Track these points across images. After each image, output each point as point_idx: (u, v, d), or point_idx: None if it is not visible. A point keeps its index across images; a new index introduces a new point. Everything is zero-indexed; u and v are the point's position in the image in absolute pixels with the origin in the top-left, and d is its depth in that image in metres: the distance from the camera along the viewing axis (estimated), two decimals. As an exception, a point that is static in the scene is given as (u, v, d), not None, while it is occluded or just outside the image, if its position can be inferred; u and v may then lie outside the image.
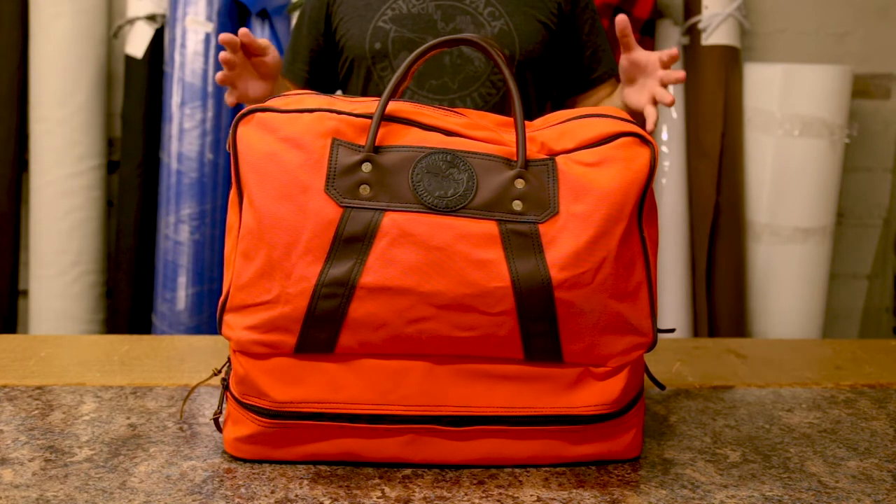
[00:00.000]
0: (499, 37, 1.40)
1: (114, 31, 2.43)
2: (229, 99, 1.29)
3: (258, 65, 1.28)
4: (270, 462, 0.90)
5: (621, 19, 1.27)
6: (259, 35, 2.33)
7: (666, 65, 1.27)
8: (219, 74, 1.25)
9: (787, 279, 2.39)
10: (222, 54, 1.24)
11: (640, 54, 1.30)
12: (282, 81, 1.50)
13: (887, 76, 2.65)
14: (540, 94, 1.50)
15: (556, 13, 1.45)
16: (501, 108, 1.42)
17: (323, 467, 0.89)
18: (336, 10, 1.47)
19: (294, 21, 1.80)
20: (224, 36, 1.21)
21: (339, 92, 1.58)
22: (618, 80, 1.54)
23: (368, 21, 1.42)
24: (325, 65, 1.51)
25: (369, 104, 0.88)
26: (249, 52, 1.26)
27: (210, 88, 2.28)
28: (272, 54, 1.29)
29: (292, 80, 1.51)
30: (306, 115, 0.85)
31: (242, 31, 1.23)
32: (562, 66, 1.50)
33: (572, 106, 1.56)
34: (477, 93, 1.41)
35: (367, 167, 0.84)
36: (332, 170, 0.83)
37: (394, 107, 0.87)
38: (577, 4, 1.48)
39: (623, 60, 1.32)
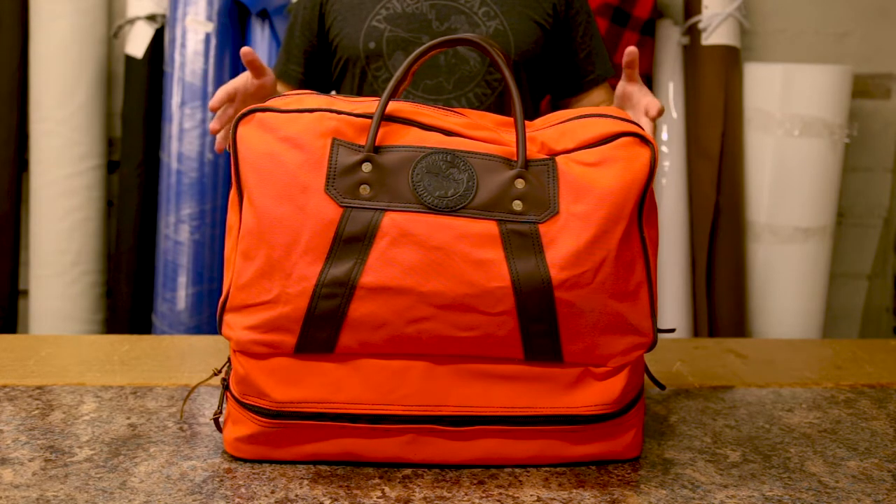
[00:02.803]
0: (494, 36, 1.40)
1: (114, 31, 2.43)
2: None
3: (258, 90, 1.26)
4: (270, 462, 0.90)
5: (631, 51, 1.23)
6: (259, 35, 2.33)
7: (651, 117, 1.22)
8: (214, 124, 1.20)
9: (787, 279, 2.39)
10: (219, 114, 1.20)
11: (635, 90, 1.26)
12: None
13: (887, 76, 2.65)
14: (535, 94, 1.50)
15: (550, 14, 1.44)
16: (497, 108, 1.42)
17: (323, 467, 0.89)
18: (329, 9, 1.45)
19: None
20: (215, 101, 1.17)
21: (332, 92, 1.58)
22: (612, 84, 1.54)
23: (362, 21, 1.41)
24: (319, 65, 1.50)
25: (369, 104, 0.88)
26: (254, 71, 1.22)
27: (210, 88, 2.28)
28: (270, 75, 1.26)
29: (286, 81, 1.50)
30: (306, 114, 0.85)
31: (246, 50, 1.19)
32: (556, 68, 1.50)
33: (566, 108, 1.55)
34: (472, 93, 1.40)
35: (367, 167, 0.84)
36: (332, 170, 0.83)
37: (394, 107, 0.87)
38: (572, 6, 1.47)
39: (619, 87, 1.29)
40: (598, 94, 1.52)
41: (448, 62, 1.40)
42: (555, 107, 1.57)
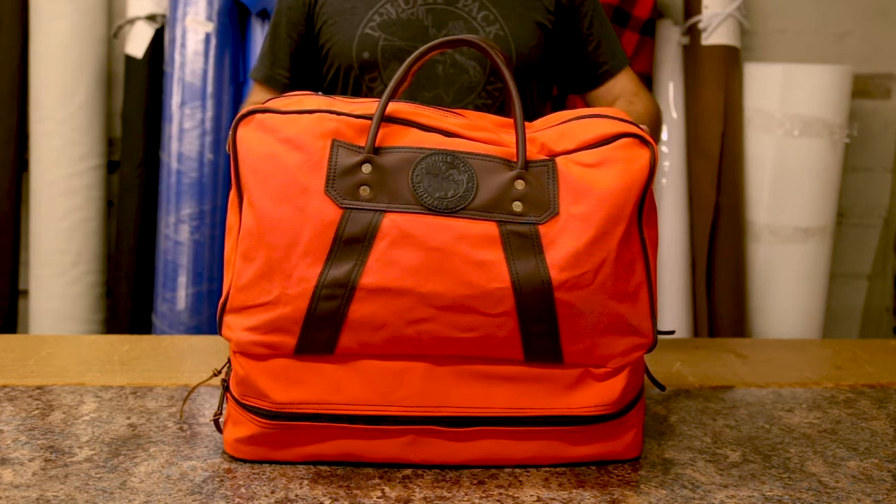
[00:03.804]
0: (494, 41, 1.36)
1: (114, 31, 2.43)
2: None
3: None
4: (270, 462, 0.90)
5: None
6: (259, 35, 2.33)
7: None
8: None
9: (787, 279, 2.39)
10: None
11: None
12: (257, 90, 1.46)
13: (887, 76, 2.65)
14: (538, 97, 1.47)
15: (552, 10, 1.40)
16: None
17: (323, 467, 0.89)
18: (319, 10, 1.39)
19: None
20: None
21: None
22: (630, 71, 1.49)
23: (355, 27, 1.36)
24: (307, 69, 1.45)
25: (369, 105, 0.88)
26: None
27: (210, 88, 2.28)
28: None
29: (272, 86, 1.44)
30: (306, 116, 0.85)
31: None
32: (567, 63, 1.46)
33: (588, 103, 1.51)
34: (472, 104, 1.36)
35: (366, 168, 0.84)
36: (332, 171, 0.83)
37: (393, 108, 0.87)
38: None
39: None
40: (616, 84, 1.46)
41: (446, 72, 1.36)
42: (564, 105, 1.53)
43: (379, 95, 1.36)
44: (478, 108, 1.36)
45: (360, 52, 1.36)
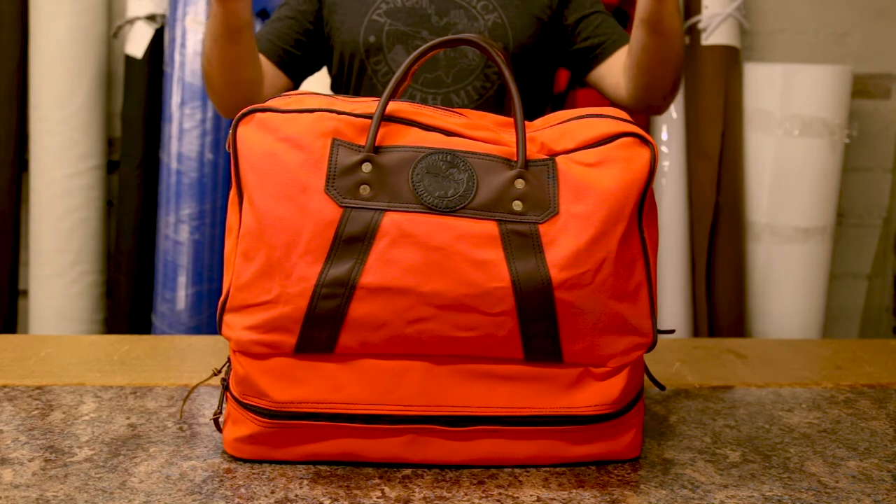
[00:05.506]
0: (492, 29, 1.41)
1: (114, 31, 2.43)
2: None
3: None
4: (270, 462, 0.90)
5: None
6: (259, 35, 2.33)
7: None
8: None
9: (787, 279, 2.39)
10: None
11: None
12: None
13: (887, 76, 2.65)
14: (535, 89, 1.50)
15: (550, 7, 1.45)
16: (497, 101, 1.43)
17: (323, 467, 0.89)
18: (330, 3, 1.47)
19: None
20: None
21: (326, 88, 1.59)
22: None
23: (363, 14, 1.43)
24: (306, 52, 1.49)
25: (369, 104, 0.88)
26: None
27: (210, 88, 2.27)
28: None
29: (266, 54, 1.47)
30: (306, 115, 0.85)
31: None
32: (566, 49, 1.49)
33: (595, 82, 1.52)
34: (471, 86, 1.41)
35: (367, 167, 0.84)
36: (332, 170, 0.83)
37: (394, 107, 0.87)
38: None
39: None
40: (618, 58, 1.48)
41: (447, 56, 1.42)
42: (578, 86, 1.56)
43: (383, 77, 1.41)
44: (476, 90, 1.42)
45: (366, 36, 1.43)
